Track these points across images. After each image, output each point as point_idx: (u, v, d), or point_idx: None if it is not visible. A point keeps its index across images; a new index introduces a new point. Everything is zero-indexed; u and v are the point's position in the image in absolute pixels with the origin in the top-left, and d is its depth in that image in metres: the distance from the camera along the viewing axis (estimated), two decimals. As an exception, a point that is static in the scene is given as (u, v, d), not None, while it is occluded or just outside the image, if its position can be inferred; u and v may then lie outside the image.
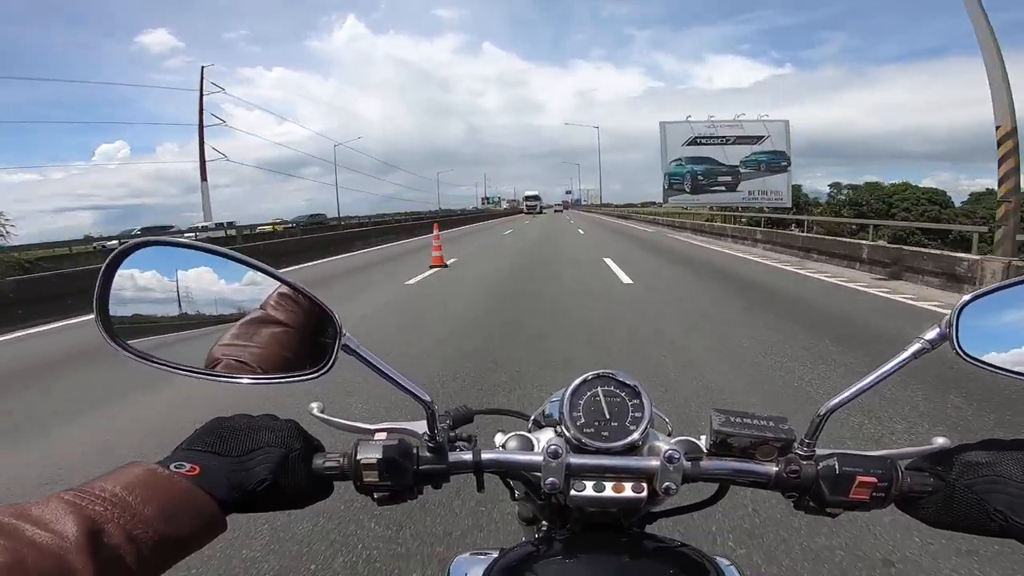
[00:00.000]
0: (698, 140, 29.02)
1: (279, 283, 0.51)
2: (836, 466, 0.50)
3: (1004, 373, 0.51)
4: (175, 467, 0.44)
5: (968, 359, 0.50)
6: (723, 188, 28.74)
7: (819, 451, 0.53)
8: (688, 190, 29.03)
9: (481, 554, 0.64)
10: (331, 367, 0.51)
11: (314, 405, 0.60)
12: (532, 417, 0.66)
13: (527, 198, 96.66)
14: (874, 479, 0.49)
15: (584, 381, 0.56)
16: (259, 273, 0.50)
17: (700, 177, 28.78)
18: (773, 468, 0.53)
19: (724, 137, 28.85)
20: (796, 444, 0.53)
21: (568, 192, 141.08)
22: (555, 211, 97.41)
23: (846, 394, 0.52)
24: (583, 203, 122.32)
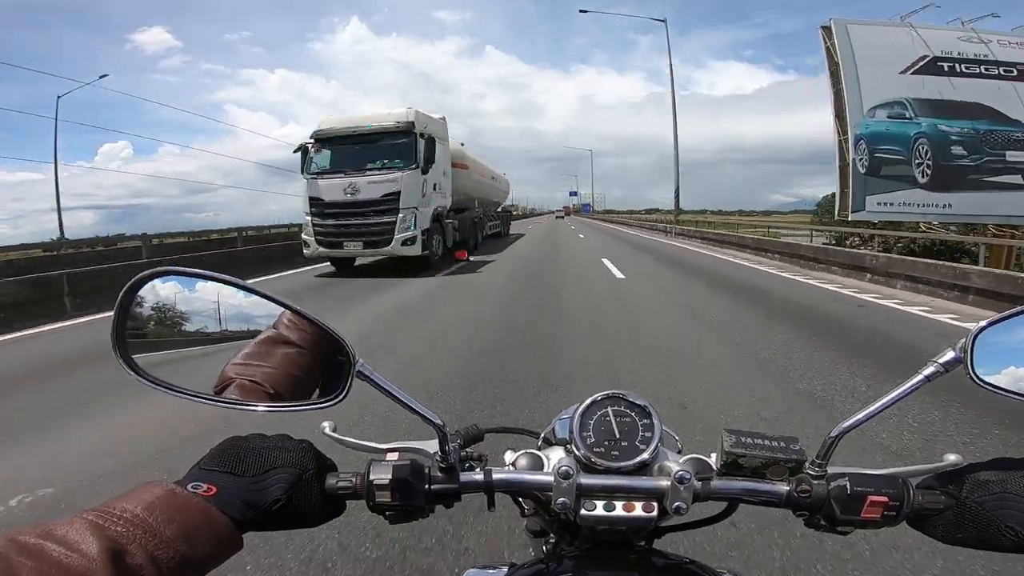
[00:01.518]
0: (942, 64, 12.52)
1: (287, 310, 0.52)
2: (848, 486, 0.51)
3: (1019, 398, 0.52)
4: (192, 487, 0.45)
5: (982, 384, 0.51)
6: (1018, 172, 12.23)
7: (831, 470, 0.53)
8: (923, 177, 12.69)
9: (490, 569, 0.65)
10: (345, 395, 0.52)
11: (326, 424, 0.60)
12: (542, 435, 0.67)
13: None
14: (885, 498, 0.50)
15: (594, 401, 0.57)
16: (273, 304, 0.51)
17: (961, 146, 12.34)
18: (784, 488, 0.53)
19: (1006, 64, 12.18)
20: (807, 464, 0.53)
21: (573, 193, 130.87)
22: (556, 217, 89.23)
23: (859, 416, 0.53)
24: (588, 211, 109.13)
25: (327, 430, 0.60)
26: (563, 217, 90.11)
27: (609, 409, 0.56)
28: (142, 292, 0.49)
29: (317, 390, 0.54)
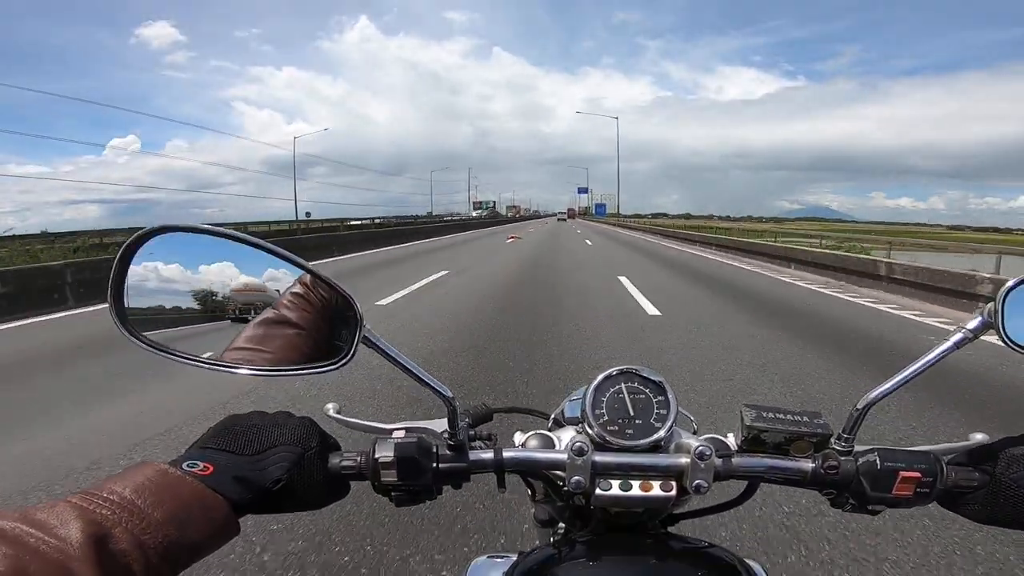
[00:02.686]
0: None
1: (294, 280, 0.49)
2: (877, 461, 0.49)
3: None
4: (188, 466, 0.42)
5: (1016, 347, 0.49)
6: None
7: (856, 447, 0.51)
8: None
9: (499, 557, 0.63)
10: (351, 358, 0.49)
11: (330, 406, 0.59)
12: (552, 416, 0.65)
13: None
14: (918, 474, 0.48)
15: (607, 377, 0.55)
16: (279, 265, 0.48)
17: None
18: (809, 465, 0.51)
19: None
20: (833, 439, 0.51)
21: (582, 190, 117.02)
22: (559, 220, 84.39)
23: (886, 386, 0.50)
24: (603, 214, 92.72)
25: (331, 411, 0.58)
26: (565, 220, 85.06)
27: (623, 385, 0.54)
28: (143, 250, 0.47)
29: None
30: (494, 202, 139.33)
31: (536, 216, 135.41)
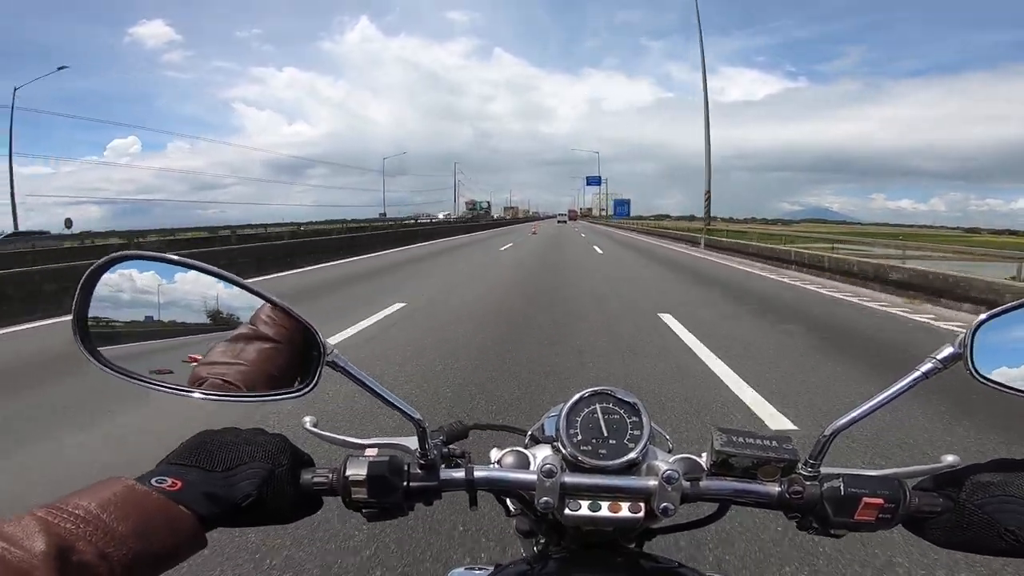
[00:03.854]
0: None
1: (255, 296, 0.50)
2: (841, 487, 0.49)
3: (1021, 395, 0.50)
4: (156, 481, 0.43)
5: (983, 380, 0.49)
6: None
7: (824, 471, 0.51)
8: None
9: (476, 569, 0.64)
10: (315, 385, 0.50)
11: (307, 419, 0.59)
12: (529, 432, 0.65)
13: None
14: (880, 500, 0.48)
15: (582, 398, 0.55)
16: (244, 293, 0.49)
17: None
18: (776, 488, 0.51)
19: None
20: (800, 464, 0.52)
21: (593, 181, 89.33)
22: (558, 222, 75.03)
23: (853, 414, 0.51)
24: (626, 214, 72.86)
25: (307, 425, 0.59)
26: (565, 222, 76.01)
27: (597, 406, 0.55)
28: (107, 277, 0.47)
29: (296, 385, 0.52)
30: (488, 202, 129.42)
31: (535, 217, 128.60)
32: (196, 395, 0.49)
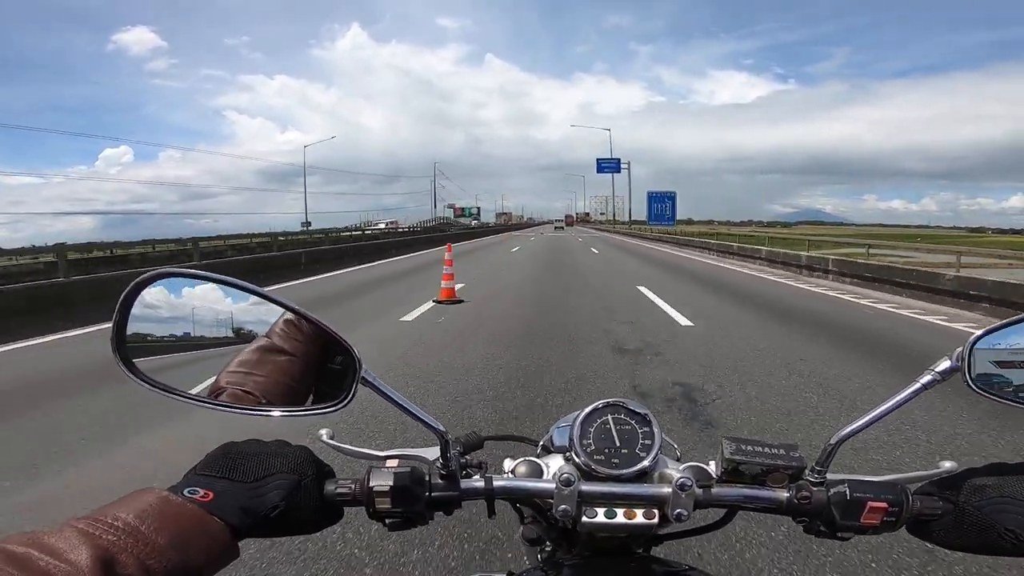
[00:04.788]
0: None
1: (290, 312, 0.52)
2: (847, 492, 0.51)
3: (1017, 405, 0.52)
4: (188, 492, 0.44)
5: (980, 391, 0.52)
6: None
7: (830, 477, 0.53)
8: None
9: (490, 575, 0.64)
10: (350, 400, 0.51)
11: (323, 432, 0.60)
12: (540, 443, 0.67)
13: None
14: (885, 504, 0.50)
15: (595, 409, 0.57)
16: (274, 306, 0.51)
17: None
18: (784, 494, 0.53)
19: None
20: (807, 471, 0.54)
21: (607, 166, 53.20)
22: (555, 228, 74.50)
23: (857, 424, 0.53)
24: (669, 220, 43.09)
25: (324, 437, 0.60)
26: (563, 228, 74.52)
27: (609, 417, 0.57)
28: (144, 294, 0.49)
29: (311, 398, 0.54)
30: (478, 208, 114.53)
31: (529, 224, 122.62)
32: (232, 410, 0.51)
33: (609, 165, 54.97)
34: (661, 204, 45.54)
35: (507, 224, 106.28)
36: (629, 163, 54.90)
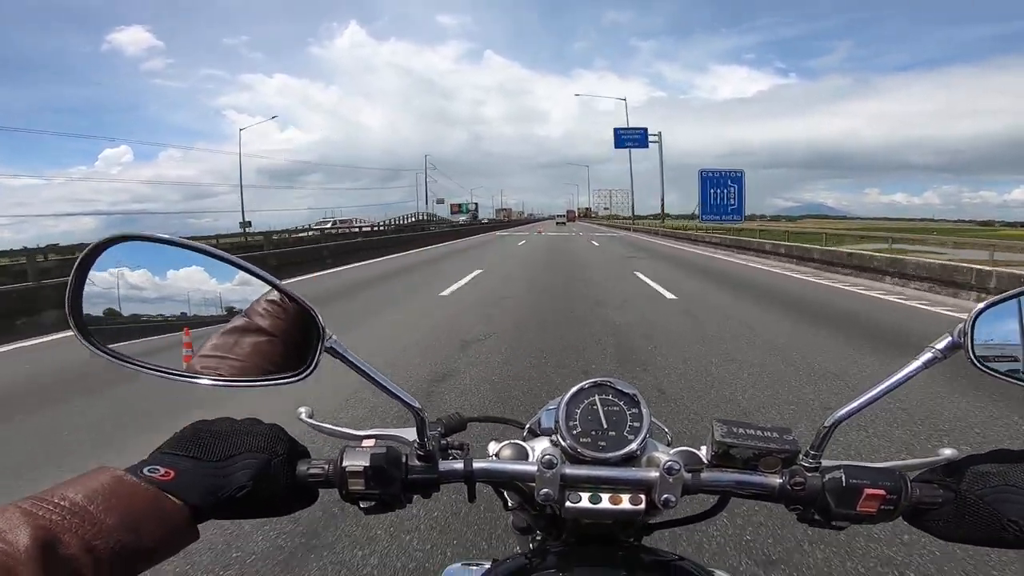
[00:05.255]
0: None
1: (269, 289, 0.49)
2: (843, 478, 0.49)
3: (1019, 383, 0.50)
4: (149, 471, 0.43)
5: (983, 368, 0.49)
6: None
7: (825, 463, 0.51)
8: None
9: (473, 565, 0.64)
10: (313, 369, 0.49)
11: (303, 410, 0.58)
12: (527, 426, 0.65)
13: None
14: (882, 491, 0.48)
15: (581, 389, 0.55)
16: (246, 276, 0.48)
17: None
18: (777, 480, 0.51)
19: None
20: (801, 456, 0.51)
21: (629, 139, 37.93)
22: (557, 223, 74.28)
23: (853, 405, 0.51)
24: (736, 213, 26.44)
25: (303, 415, 0.58)
26: (564, 223, 73.97)
27: (596, 397, 0.55)
28: (103, 257, 0.46)
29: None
30: (476, 204, 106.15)
31: (529, 220, 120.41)
32: (189, 380, 0.49)
33: (631, 137, 39.29)
34: (721, 190, 28.52)
35: (507, 220, 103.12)
36: (660, 134, 39.02)
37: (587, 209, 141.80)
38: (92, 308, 0.48)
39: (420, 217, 65.18)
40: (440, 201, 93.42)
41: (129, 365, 0.49)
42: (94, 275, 0.47)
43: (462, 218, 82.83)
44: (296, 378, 0.49)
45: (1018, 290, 0.50)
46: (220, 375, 0.49)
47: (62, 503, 0.37)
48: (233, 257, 0.48)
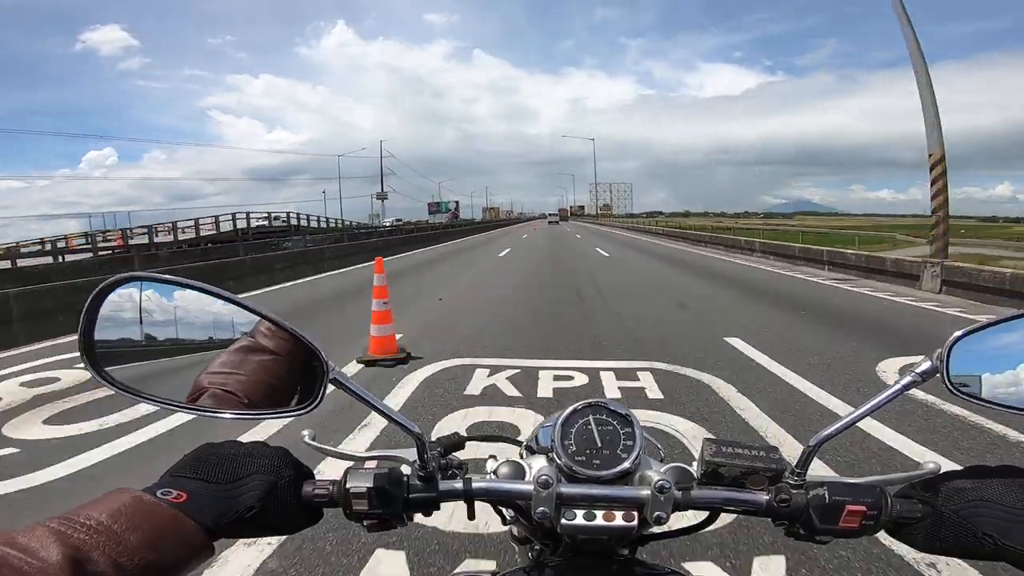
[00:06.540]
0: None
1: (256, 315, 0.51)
2: (826, 495, 0.51)
3: (994, 407, 0.52)
4: (162, 493, 0.44)
5: (958, 393, 0.51)
6: None
7: (810, 478, 0.53)
8: None
9: (475, 575, 0.64)
10: (318, 403, 0.51)
11: (306, 432, 0.60)
12: (524, 443, 0.66)
13: None
14: (863, 507, 0.50)
15: (576, 410, 0.57)
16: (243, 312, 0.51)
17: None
18: (764, 497, 0.53)
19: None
20: (787, 473, 0.53)
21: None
22: (549, 222, 68.90)
23: (837, 426, 0.53)
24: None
25: (306, 438, 0.60)
26: (557, 222, 68.83)
27: (591, 417, 0.56)
28: (111, 298, 0.48)
29: (295, 398, 0.53)
30: (456, 202, 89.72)
31: (519, 219, 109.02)
32: (200, 413, 0.51)
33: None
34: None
35: (494, 219, 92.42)
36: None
37: (580, 207, 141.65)
38: (104, 343, 0.50)
39: (390, 219, 55.75)
40: (383, 198, 65.53)
41: (140, 398, 0.51)
42: (106, 312, 0.49)
43: (441, 218, 72.22)
44: (301, 412, 0.51)
45: (995, 319, 0.52)
46: (228, 391, 0.51)
47: (88, 522, 0.38)
48: (227, 293, 0.50)
